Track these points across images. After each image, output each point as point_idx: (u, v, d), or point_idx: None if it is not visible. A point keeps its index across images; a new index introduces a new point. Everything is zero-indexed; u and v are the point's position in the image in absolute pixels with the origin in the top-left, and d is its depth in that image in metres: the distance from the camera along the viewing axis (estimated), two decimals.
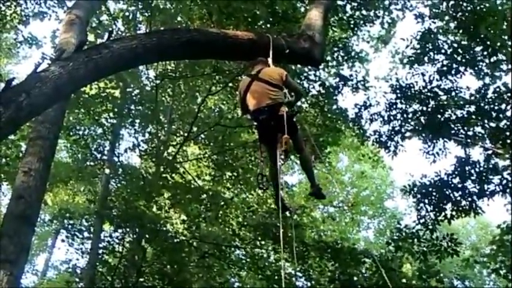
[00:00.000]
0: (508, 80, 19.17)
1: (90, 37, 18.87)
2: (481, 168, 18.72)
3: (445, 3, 19.62)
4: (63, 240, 21.08)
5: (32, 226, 9.78)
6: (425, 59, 19.62)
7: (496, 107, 18.79)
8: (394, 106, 19.67)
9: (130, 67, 11.18)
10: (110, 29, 19.11)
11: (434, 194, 18.96)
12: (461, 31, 19.17)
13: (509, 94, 18.71)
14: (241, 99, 7.75)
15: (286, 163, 23.83)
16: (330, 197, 33.59)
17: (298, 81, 19.17)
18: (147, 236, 18.40)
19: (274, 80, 7.46)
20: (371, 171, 37.75)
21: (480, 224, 42.15)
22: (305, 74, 20.03)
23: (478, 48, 19.28)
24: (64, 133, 20.18)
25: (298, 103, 7.82)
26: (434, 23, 19.90)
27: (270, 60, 7.97)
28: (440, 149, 19.65)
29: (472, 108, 19.09)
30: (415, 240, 19.13)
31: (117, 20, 21.25)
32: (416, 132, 19.69)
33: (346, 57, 21.41)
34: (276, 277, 19.23)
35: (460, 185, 18.80)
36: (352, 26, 20.95)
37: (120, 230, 19.63)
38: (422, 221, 19.07)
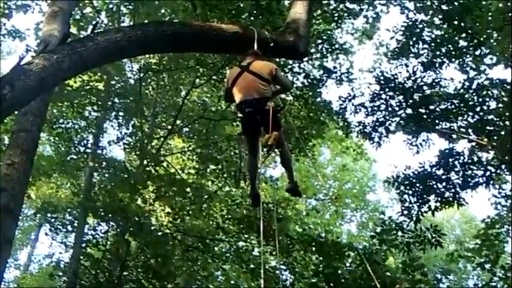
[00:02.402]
0: (493, 73, 19.26)
1: (73, 29, 18.77)
2: (465, 160, 18.81)
3: None
4: (46, 234, 21.04)
5: (15, 219, 9.70)
6: (410, 51, 19.64)
7: (480, 100, 18.86)
8: (378, 97, 19.69)
9: (115, 60, 11.14)
10: (94, 21, 19.03)
11: (418, 185, 19.03)
12: (446, 24, 19.19)
13: (491, 87, 18.81)
14: (228, 89, 7.73)
15: (270, 156, 23.94)
16: (313, 190, 33.68)
17: (283, 73, 19.14)
18: (131, 229, 18.34)
19: (264, 74, 7.44)
20: (353, 165, 37.83)
21: (464, 218, 42.39)
22: (289, 67, 20.02)
23: (462, 42, 19.33)
24: (47, 126, 20.07)
25: (283, 96, 7.77)
26: (420, 13, 19.93)
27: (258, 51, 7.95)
28: (424, 140, 19.73)
29: (456, 101, 19.15)
30: (399, 231, 19.20)
31: (101, 12, 21.13)
32: (400, 127, 19.72)
33: (330, 49, 21.42)
34: (260, 270, 19.26)
35: (443, 177, 18.88)
36: (336, 18, 20.96)
37: (104, 223, 19.59)
38: (406, 212, 19.14)
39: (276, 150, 7.68)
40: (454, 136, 19.36)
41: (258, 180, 7.85)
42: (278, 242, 17.19)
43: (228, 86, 7.68)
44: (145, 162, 20.13)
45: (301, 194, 8.55)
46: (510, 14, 17.59)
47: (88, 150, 21.82)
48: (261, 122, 7.24)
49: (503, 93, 18.72)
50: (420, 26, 19.72)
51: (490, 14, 18.26)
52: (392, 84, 19.52)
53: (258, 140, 7.57)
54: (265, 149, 7.32)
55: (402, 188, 19.28)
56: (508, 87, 18.68)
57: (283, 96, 7.75)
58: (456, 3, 18.77)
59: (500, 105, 18.77)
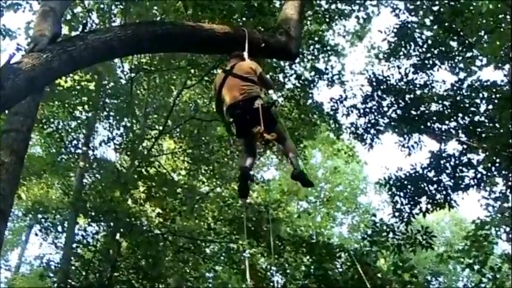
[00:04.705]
0: (483, 75, 19.30)
1: (65, 29, 18.70)
2: (456, 162, 18.85)
3: None
4: (36, 235, 20.96)
5: (5, 220, 9.65)
6: (401, 52, 19.67)
7: (471, 101, 18.90)
8: (370, 98, 19.71)
9: (105, 59, 11.09)
10: (85, 21, 18.95)
11: (409, 187, 19.05)
12: (437, 25, 19.23)
13: (482, 89, 18.87)
14: (217, 95, 7.71)
15: (261, 158, 23.92)
16: (305, 192, 33.71)
17: (274, 74, 19.18)
18: (121, 229, 18.31)
19: (248, 74, 7.44)
20: (344, 167, 37.84)
21: (454, 220, 42.45)
22: (280, 68, 20.01)
23: (453, 43, 19.38)
24: (38, 126, 19.98)
25: (274, 96, 7.66)
26: (412, 15, 19.96)
27: (245, 54, 7.93)
28: (415, 142, 19.77)
29: (447, 102, 19.18)
30: (390, 233, 19.22)
31: (92, 12, 21.05)
32: (391, 127, 19.74)
33: (321, 51, 21.42)
34: (252, 271, 19.24)
35: (435, 179, 18.91)
36: (327, 20, 20.97)
37: (94, 224, 19.52)
38: (397, 214, 19.15)
39: (280, 145, 7.65)
40: (445, 138, 19.39)
41: (250, 180, 7.75)
42: (270, 243, 17.19)
43: (216, 91, 7.68)
44: (136, 162, 20.07)
45: (312, 183, 8.03)
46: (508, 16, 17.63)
47: (79, 151, 21.69)
48: (253, 121, 7.19)
49: (493, 95, 18.77)
50: (411, 27, 19.76)
51: (480, 15, 18.28)
52: (384, 86, 19.56)
53: (254, 140, 7.51)
54: (262, 141, 7.22)
55: (393, 189, 19.30)
56: (498, 88, 18.72)
57: (274, 97, 7.63)
58: (447, 5, 18.80)
59: (490, 106, 18.82)
